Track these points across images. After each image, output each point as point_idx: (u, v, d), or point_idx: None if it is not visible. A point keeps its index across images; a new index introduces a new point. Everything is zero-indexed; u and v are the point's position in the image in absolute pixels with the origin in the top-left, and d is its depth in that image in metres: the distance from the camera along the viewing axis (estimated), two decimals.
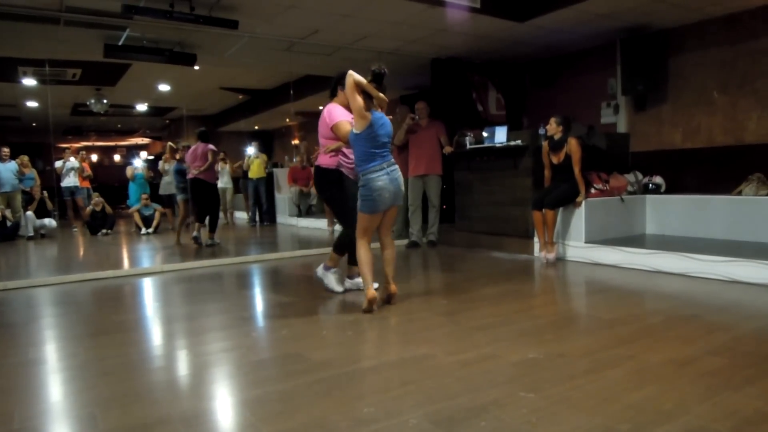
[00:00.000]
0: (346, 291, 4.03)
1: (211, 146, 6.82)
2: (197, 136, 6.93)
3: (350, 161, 3.85)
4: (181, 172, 7.76)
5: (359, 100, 3.34)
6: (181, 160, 7.94)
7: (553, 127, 5.14)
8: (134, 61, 7.02)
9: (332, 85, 3.89)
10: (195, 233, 6.93)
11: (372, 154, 3.41)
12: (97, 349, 2.86)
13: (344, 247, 3.98)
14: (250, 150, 10.45)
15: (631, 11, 5.49)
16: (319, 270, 4.12)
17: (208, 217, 6.96)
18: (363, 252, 3.52)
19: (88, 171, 9.56)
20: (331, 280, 4.05)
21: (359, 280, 3.95)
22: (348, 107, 3.60)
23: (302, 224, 9.83)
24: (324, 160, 3.88)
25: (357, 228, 3.55)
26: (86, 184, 9.60)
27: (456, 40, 6.39)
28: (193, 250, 6.64)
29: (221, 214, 11.02)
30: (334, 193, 3.93)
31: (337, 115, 3.74)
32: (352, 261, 3.95)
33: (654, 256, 4.58)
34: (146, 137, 14.74)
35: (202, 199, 6.91)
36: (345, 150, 3.81)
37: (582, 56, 7.10)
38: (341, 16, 5.53)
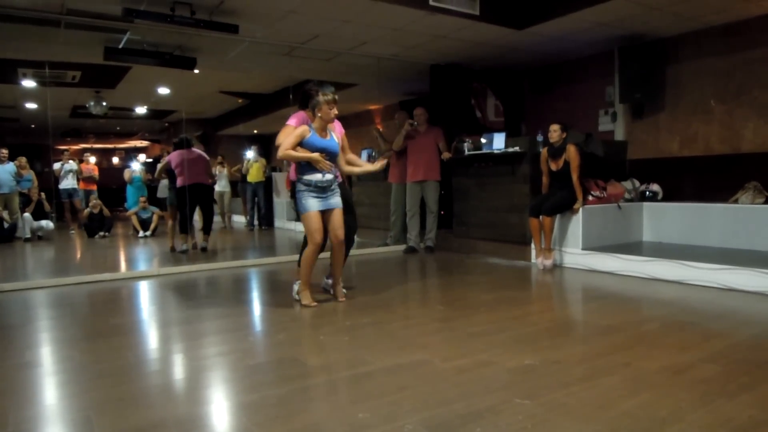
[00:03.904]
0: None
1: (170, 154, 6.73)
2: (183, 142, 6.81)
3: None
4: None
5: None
6: None
7: (556, 134, 5.16)
8: (134, 64, 7.03)
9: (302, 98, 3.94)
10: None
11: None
12: (93, 353, 2.85)
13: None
14: (250, 154, 10.46)
15: (629, 20, 5.52)
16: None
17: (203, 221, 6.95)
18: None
19: (85, 172, 9.54)
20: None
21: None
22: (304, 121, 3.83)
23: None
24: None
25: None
26: (93, 186, 9.59)
27: (455, 46, 6.42)
28: (191, 254, 6.63)
29: (219, 218, 11.05)
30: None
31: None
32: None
33: (650, 263, 4.60)
34: (145, 140, 14.72)
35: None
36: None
37: (580, 64, 7.13)
38: (341, 21, 5.55)
